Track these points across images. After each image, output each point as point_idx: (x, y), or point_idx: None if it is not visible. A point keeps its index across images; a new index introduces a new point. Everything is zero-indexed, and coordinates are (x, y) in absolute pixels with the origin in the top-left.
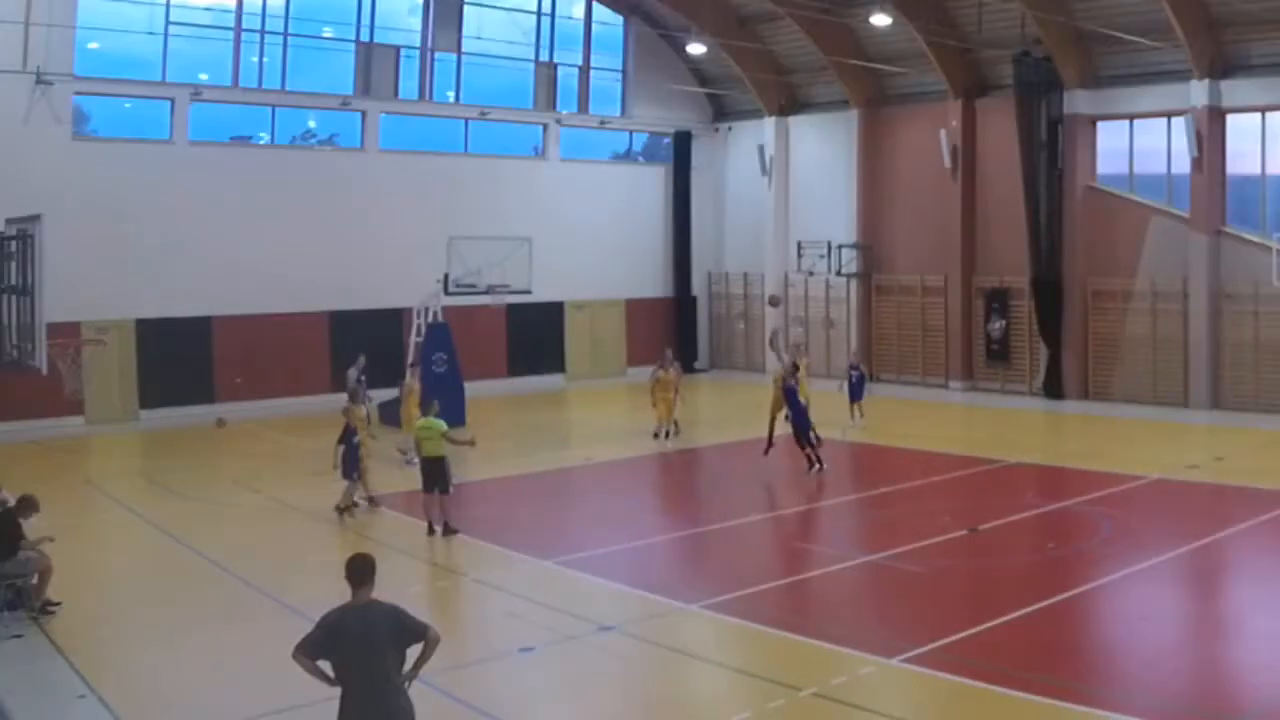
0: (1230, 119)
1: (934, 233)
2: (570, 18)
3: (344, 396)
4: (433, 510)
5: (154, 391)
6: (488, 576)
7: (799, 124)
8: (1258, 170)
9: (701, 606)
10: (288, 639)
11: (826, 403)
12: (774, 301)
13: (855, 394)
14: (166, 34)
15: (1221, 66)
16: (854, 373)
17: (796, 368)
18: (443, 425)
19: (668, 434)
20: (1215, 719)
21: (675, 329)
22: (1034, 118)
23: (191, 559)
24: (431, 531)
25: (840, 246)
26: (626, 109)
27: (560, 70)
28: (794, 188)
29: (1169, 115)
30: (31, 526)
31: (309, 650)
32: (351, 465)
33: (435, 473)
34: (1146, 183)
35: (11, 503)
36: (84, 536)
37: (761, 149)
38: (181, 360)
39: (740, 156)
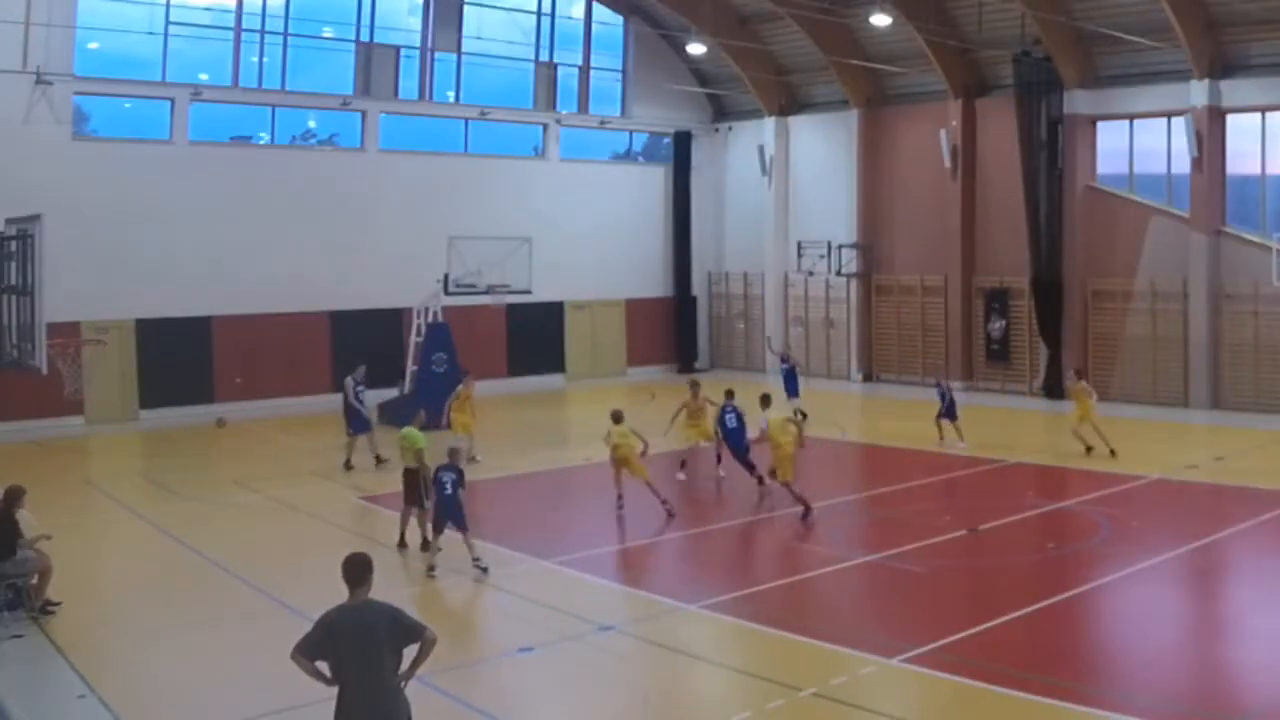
0: (1230, 119)
1: (934, 233)
2: (570, 18)
3: (338, 398)
4: (407, 522)
5: (154, 391)
6: (488, 576)
7: (799, 124)
8: (1258, 170)
9: (701, 606)
10: (288, 639)
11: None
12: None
13: (949, 412)
14: (166, 34)
15: (1221, 66)
16: (947, 390)
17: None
18: (418, 439)
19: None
20: (1215, 719)
21: (675, 329)
22: (1034, 118)
23: (191, 559)
24: (401, 543)
25: (840, 246)
26: (626, 109)
27: (560, 70)
28: (794, 188)
29: (1169, 115)
30: (26, 521)
31: (307, 650)
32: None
33: (410, 486)
34: (1146, 183)
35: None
36: (84, 536)
37: (761, 149)
38: (181, 360)
39: (740, 156)
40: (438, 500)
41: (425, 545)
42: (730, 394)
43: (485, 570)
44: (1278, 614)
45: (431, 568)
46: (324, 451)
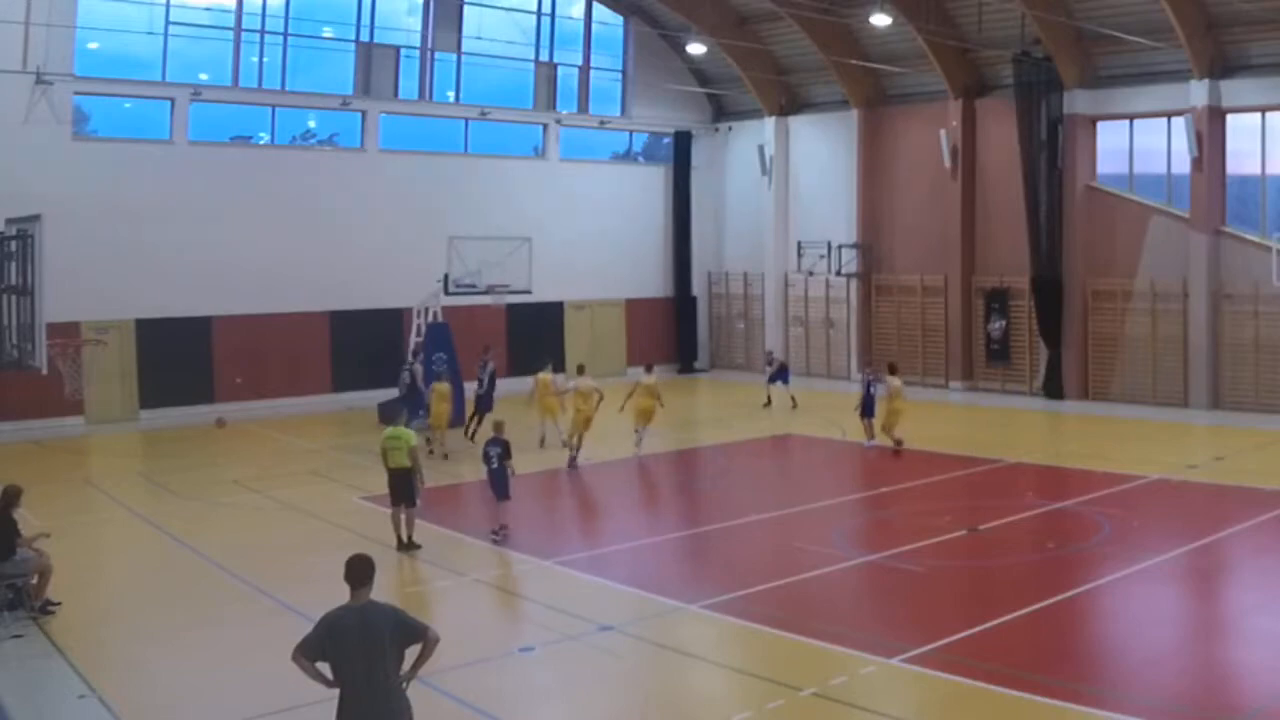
0: (1230, 119)
1: (934, 233)
2: (570, 18)
3: (344, 397)
4: (399, 523)
5: (154, 391)
6: (488, 576)
7: (799, 124)
8: (1258, 170)
9: (701, 606)
10: (288, 639)
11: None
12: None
13: (866, 409)
14: (166, 34)
15: (1221, 66)
16: (870, 385)
17: None
18: (411, 436)
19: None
20: (1215, 719)
21: (675, 329)
22: (1034, 118)
23: (191, 559)
24: (401, 546)
25: (840, 246)
26: (626, 109)
27: (560, 70)
28: (794, 188)
29: (1169, 115)
30: (25, 521)
31: (308, 651)
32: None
33: (401, 485)
34: (1146, 183)
35: None
36: (84, 536)
37: (761, 149)
38: (181, 360)
39: (740, 156)
40: (488, 473)
41: (402, 545)
42: (487, 348)
43: (497, 538)
44: (1278, 614)
45: (499, 529)
46: (324, 451)
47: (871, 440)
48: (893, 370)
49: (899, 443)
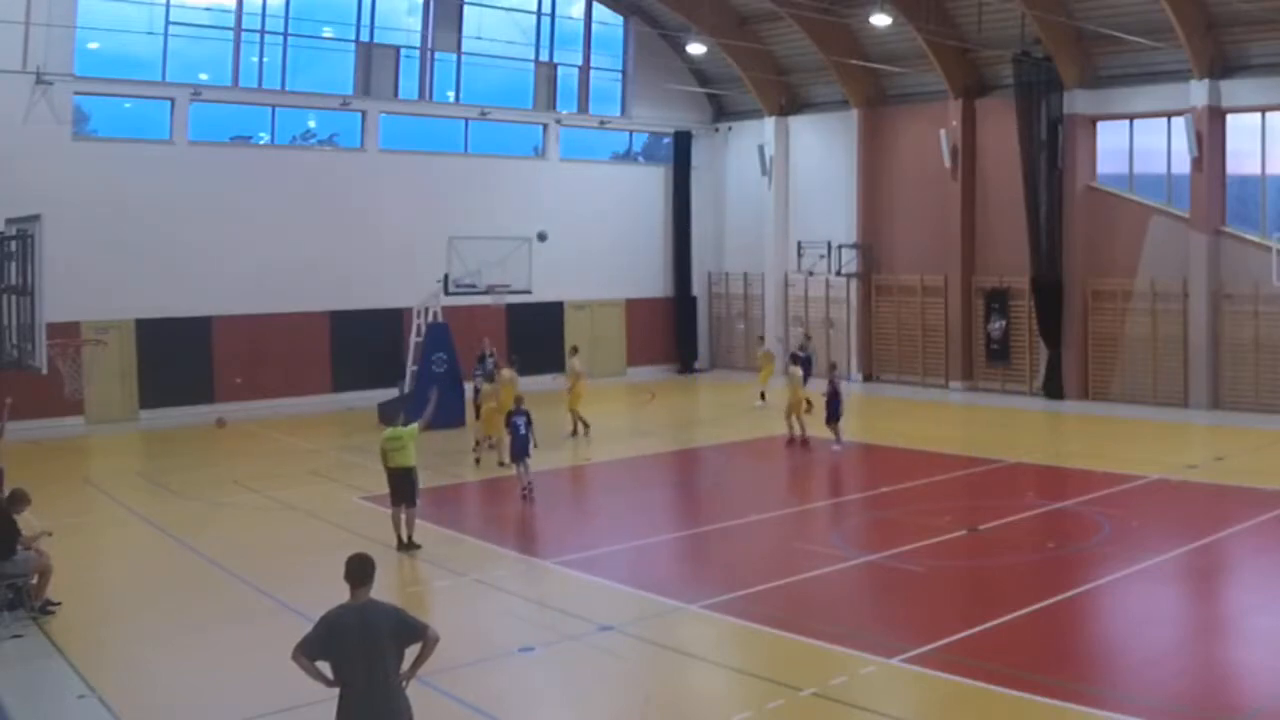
0: (1230, 119)
1: (934, 233)
2: (570, 18)
3: (344, 397)
4: (400, 523)
5: (154, 391)
6: (488, 576)
7: (799, 124)
8: (1258, 170)
9: (701, 606)
10: (288, 639)
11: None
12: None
13: (833, 412)
14: (166, 34)
15: (1221, 66)
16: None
17: None
18: (415, 436)
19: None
20: (1215, 719)
21: (675, 329)
22: (1034, 118)
23: (191, 559)
24: (401, 546)
25: (840, 246)
26: (626, 109)
27: (560, 70)
28: (794, 188)
29: (1169, 115)
30: (26, 522)
31: (309, 650)
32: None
33: (401, 485)
34: (1146, 183)
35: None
36: (84, 536)
37: (761, 149)
38: (181, 360)
39: (740, 156)
40: (513, 438)
41: (402, 545)
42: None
43: (527, 496)
44: (1278, 614)
45: (527, 487)
46: (324, 451)
47: (839, 443)
48: (795, 361)
49: (803, 434)
